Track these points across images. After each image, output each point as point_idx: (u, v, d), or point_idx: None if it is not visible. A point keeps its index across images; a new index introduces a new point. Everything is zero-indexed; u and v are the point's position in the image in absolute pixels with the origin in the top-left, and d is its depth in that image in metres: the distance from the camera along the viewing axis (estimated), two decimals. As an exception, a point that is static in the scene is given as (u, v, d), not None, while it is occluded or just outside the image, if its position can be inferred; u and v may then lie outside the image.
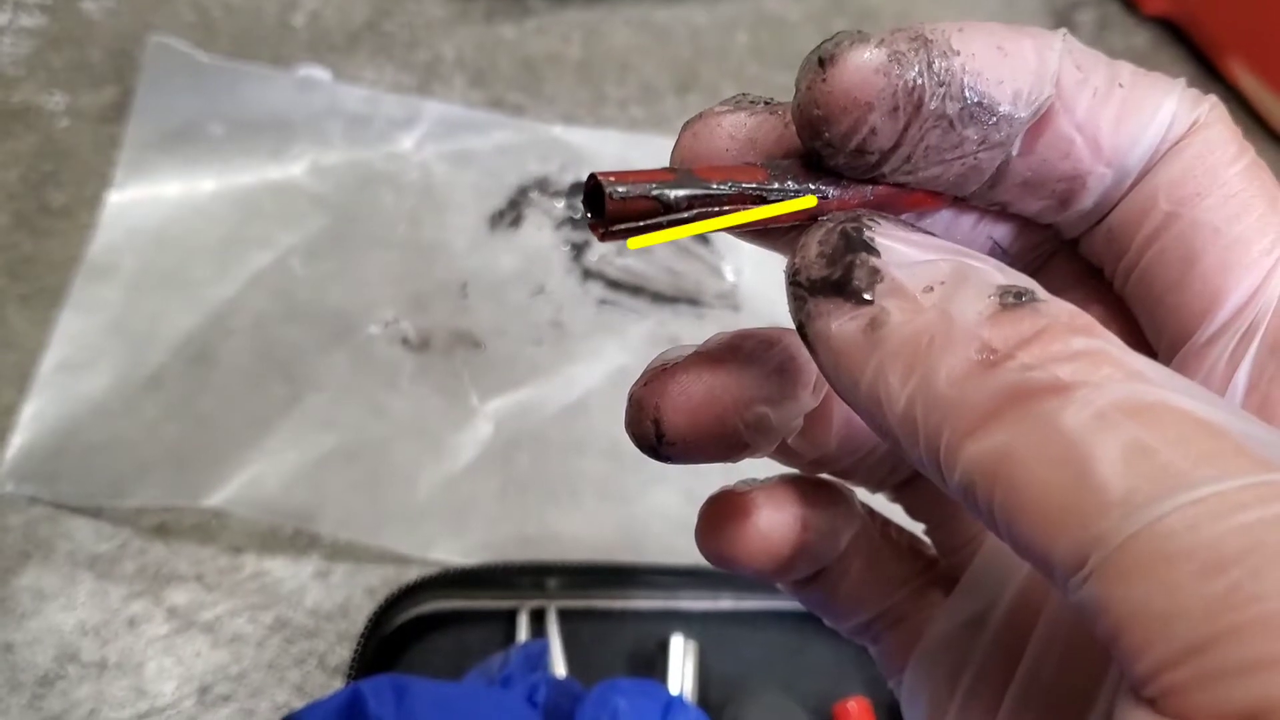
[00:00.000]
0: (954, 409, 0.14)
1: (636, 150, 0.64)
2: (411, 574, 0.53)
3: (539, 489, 0.56)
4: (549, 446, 0.57)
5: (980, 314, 0.15)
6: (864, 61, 0.16)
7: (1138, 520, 0.13)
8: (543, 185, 0.63)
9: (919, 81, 0.17)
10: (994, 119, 0.17)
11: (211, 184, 0.61)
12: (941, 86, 0.17)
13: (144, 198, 0.60)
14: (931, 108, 0.17)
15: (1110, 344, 0.15)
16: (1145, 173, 0.18)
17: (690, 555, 0.54)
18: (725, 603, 0.53)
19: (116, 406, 0.55)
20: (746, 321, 0.62)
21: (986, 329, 0.15)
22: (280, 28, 0.66)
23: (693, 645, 0.52)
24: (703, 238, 0.63)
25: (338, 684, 0.52)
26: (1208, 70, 0.75)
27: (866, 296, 0.16)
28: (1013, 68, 0.17)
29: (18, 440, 0.54)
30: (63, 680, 0.51)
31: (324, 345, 0.58)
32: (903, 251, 0.16)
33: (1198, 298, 0.18)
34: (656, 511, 0.56)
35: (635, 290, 0.61)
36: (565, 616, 0.52)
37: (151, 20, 0.66)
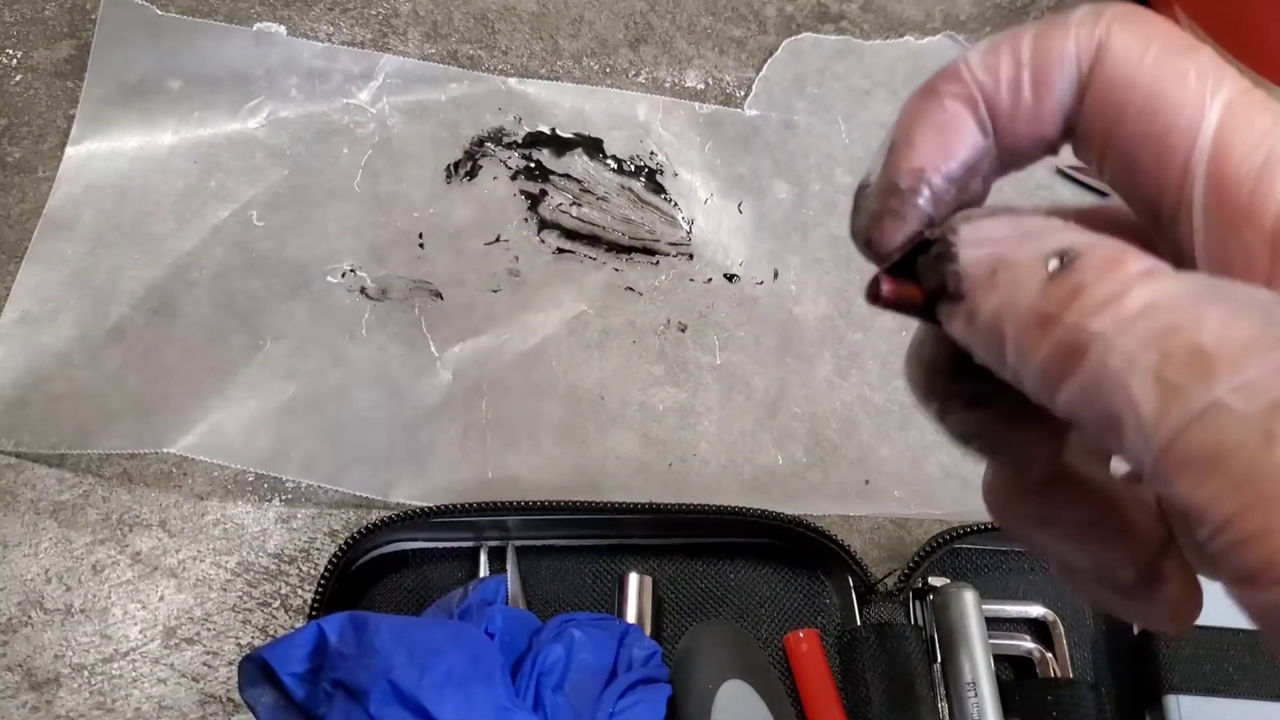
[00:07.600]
0: (1037, 369, 0.18)
1: (591, 102, 0.65)
2: (373, 518, 0.53)
3: (498, 434, 0.56)
4: (508, 392, 0.57)
5: (1036, 286, 0.18)
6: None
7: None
8: (498, 137, 0.63)
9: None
10: None
11: (170, 138, 0.61)
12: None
13: (102, 152, 0.60)
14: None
15: (1132, 267, 0.18)
16: (1080, 103, 0.21)
17: (645, 494, 0.55)
18: (679, 539, 0.55)
19: (79, 358, 0.55)
20: (700, 269, 0.62)
21: (1041, 299, 0.18)
22: (236, -17, 0.66)
23: (648, 580, 0.53)
24: (658, 185, 0.64)
25: (301, 624, 0.52)
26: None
27: (960, 293, 0.19)
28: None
29: (-21, 392, 0.54)
30: (27, 626, 0.51)
31: (283, 296, 0.58)
32: (972, 252, 0.20)
33: (1153, 190, 0.20)
34: (613, 453, 0.57)
35: (591, 239, 0.62)
36: (524, 554, 0.53)
37: (106, -24, 0.65)
